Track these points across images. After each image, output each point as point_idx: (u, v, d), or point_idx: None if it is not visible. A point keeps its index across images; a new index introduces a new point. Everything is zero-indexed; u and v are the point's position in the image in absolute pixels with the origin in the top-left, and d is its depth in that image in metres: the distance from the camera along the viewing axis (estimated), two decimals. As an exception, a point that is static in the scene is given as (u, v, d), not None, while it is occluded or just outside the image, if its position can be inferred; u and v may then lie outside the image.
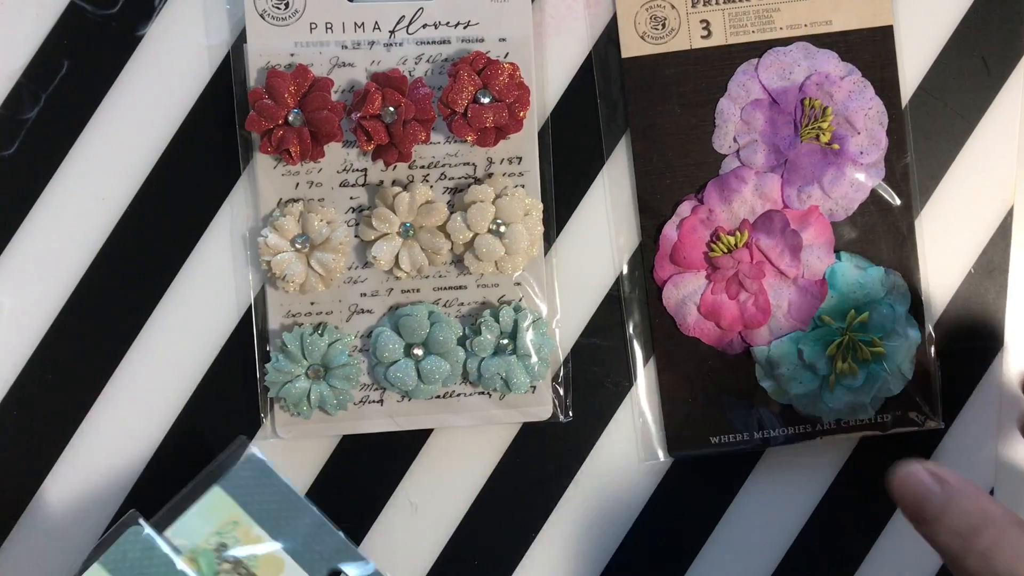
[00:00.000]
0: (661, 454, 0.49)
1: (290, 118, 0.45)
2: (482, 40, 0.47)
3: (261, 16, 0.46)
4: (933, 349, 0.49)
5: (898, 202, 0.48)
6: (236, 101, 0.47)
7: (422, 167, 0.47)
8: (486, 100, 0.45)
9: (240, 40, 0.47)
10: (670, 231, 0.48)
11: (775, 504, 0.49)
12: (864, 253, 0.48)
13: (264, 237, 0.46)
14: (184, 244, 0.48)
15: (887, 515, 0.49)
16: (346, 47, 0.47)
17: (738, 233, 0.48)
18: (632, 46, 0.48)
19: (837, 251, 0.48)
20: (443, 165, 0.47)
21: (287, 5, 0.46)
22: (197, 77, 0.47)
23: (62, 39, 0.47)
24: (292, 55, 0.46)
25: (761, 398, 0.48)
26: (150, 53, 0.47)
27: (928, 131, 0.49)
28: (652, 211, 0.48)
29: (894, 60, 0.48)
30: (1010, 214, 0.49)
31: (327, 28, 0.46)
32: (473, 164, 0.47)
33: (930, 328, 0.49)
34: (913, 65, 0.49)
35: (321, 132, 0.46)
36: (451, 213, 0.47)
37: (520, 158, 0.47)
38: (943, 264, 0.49)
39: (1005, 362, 0.49)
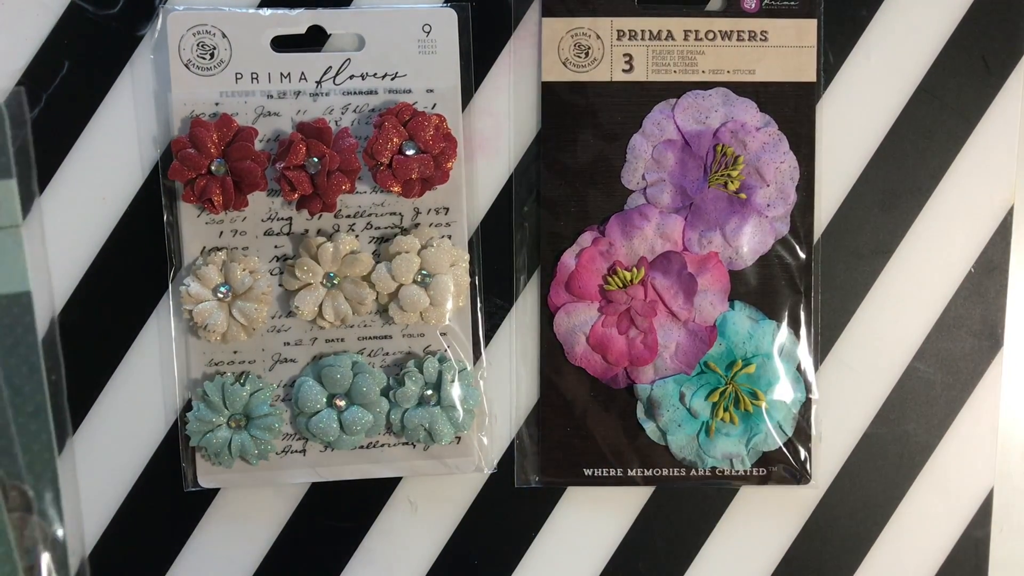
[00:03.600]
0: (535, 479, 0.48)
1: (213, 167, 0.45)
2: (409, 91, 0.46)
3: (186, 66, 0.45)
4: (815, 411, 0.48)
5: (801, 258, 0.48)
6: (160, 150, 0.47)
7: (348, 216, 0.46)
8: (411, 152, 0.45)
9: (165, 89, 0.46)
10: (568, 259, 0.48)
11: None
12: (759, 305, 0.48)
13: (186, 286, 0.45)
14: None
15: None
16: (272, 96, 0.46)
17: (635, 270, 0.47)
18: (553, 71, 0.47)
19: (732, 300, 0.48)
20: (369, 215, 0.46)
21: (212, 55, 0.45)
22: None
23: (63, 39, 0.47)
24: (217, 104, 0.46)
25: (640, 436, 0.48)
26: (151, 54, 0.47)
27: (928, 130, 0.48)
28: (554, 237, 0.48)
29: (812, 117, 0.48)
30: (1010, 213, 0.49)
31: (253, 78, 0.46)
32: (400, 214, 0.47)
33: (816, 391, 0.48)
34: (913, 64, 0.48)
35: (244, 182, 0.45)
36: (376, 263, 0.46)
37: (447, 208, 0.47)
38: (944, 262, 0.49)
39: (1005, 361, 0.49)
